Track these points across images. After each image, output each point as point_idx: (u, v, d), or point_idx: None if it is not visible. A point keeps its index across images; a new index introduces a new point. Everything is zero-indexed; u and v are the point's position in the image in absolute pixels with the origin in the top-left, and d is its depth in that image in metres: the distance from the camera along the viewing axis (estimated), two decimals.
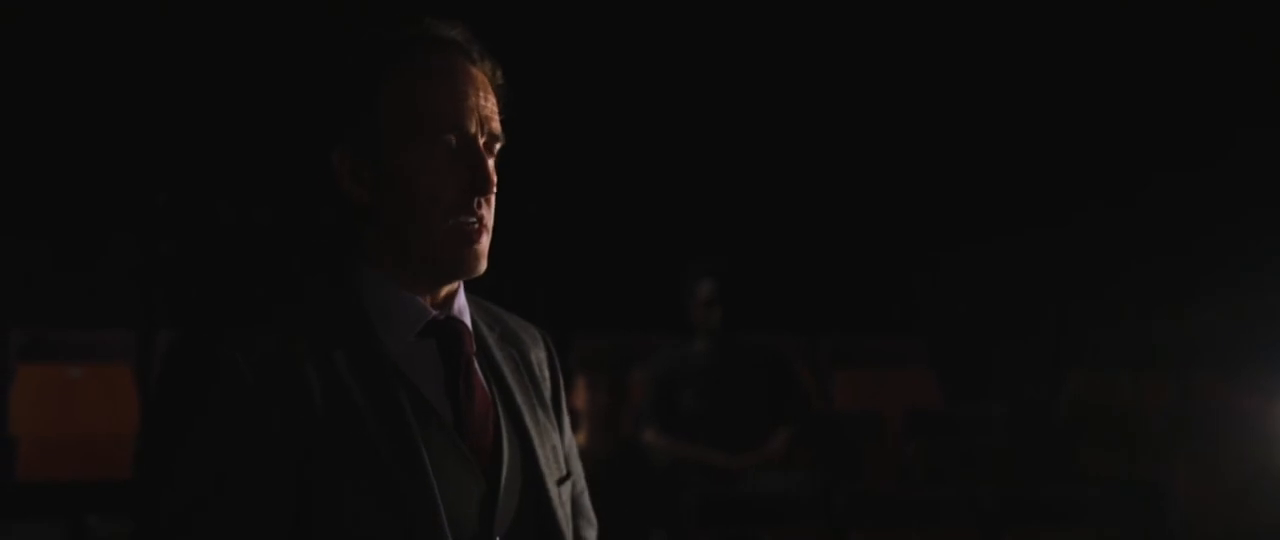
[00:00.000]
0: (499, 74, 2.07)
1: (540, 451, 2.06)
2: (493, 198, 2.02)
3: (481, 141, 2.01)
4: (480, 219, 1.99)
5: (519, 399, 2.08)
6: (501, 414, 2.05)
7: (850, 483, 7.03)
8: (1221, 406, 7.41)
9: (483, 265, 2.01)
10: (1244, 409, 7.22)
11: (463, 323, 2.05)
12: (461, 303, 2.06)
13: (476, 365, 2.05)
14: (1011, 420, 7.89)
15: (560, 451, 2.13)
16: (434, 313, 2.02)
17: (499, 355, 2.10)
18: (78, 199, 7.59)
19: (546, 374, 2.18)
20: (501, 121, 2.05)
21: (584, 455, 6.16)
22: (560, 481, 2.09)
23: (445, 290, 2.05)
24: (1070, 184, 8.64)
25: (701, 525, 5.94)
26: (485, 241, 2.01)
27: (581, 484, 2.19)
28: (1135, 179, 8.41)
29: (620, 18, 8.24)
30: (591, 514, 2.22)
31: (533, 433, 2.07)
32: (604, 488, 5.60)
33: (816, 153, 8.65)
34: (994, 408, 8.01)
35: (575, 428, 5.82)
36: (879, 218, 8.79)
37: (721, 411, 6.51)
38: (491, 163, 2.02)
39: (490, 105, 2.03)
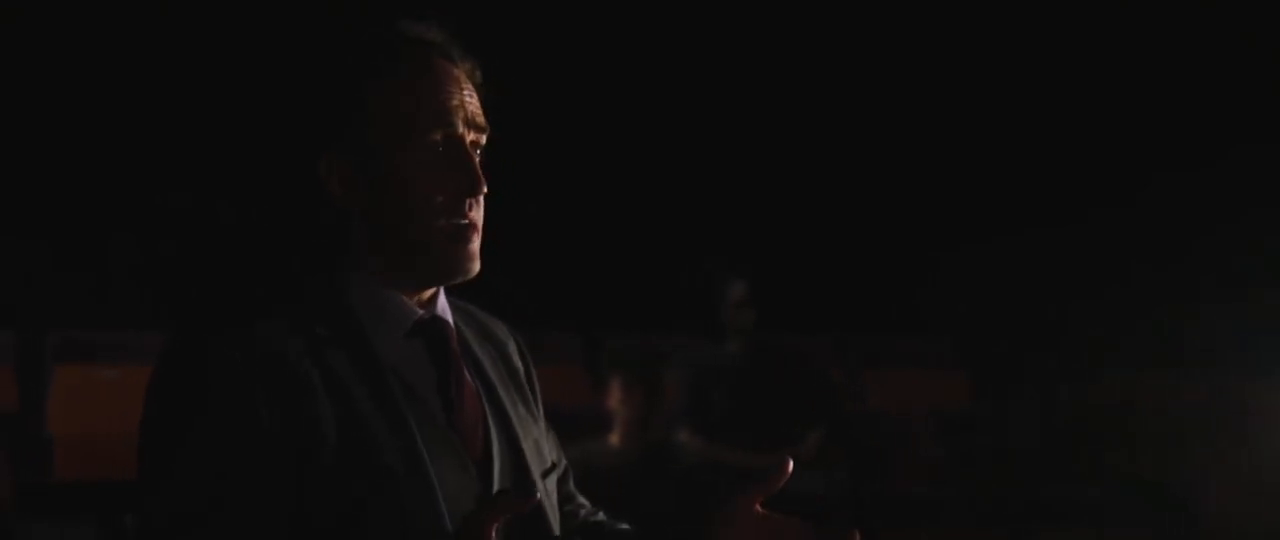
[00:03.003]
0: (478, 73, 2.07)
1: (526, 446, 2.08)
2: (483, 198, 2.02)
3: (469, 140, 2.01)
4: (471, 220, 2.01)
5: (502, 395, 2.10)
6: (488, 411, 2.07)
7: (880, 483, 7.04)
8: (1252, 407, 7.40)
9: (476, 266, 2.02)
10: (1274, 409, 7.22)
11: (447, 322, 2.07)
12: (443, 302, 2.08)
13: (463, 363, 2.07)
14: (1040, 421, 7.89)
15: (542, 444, 2.14)
16: (421, 313, 2.03)
17: (479, 352, 2.12)
18: (112, 201, 7.63)
19: (520, 366, 2.20)
20: (486, 118, 2.05)
21: (617, 455, 6.16)
22: (545, 474, 2.11)
23: (430, 290, 2.06)
24: (1100, 184, 8.63)
25: None
26: (477, 242, 2.02)
27: (562, 471, 2.21)
28: (1163, 178, 8.40)
29: (650, 18, 8.26)
30: (580, 497, 2.25)
31: (517, 428, 2.08)
32: (637, 487, 5.63)
33: (845, 154, 8.66)
34: (1022, 408, 8.01)
35: (608, 427, 5.88)
36: (908, 218, 8.79)
37: (753, 412, 6.52)
38: (478, 160, 2.02)
39: (474, 102, 2.04)
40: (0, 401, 6.92)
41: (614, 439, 5.86)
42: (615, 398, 5.84)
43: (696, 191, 8.36)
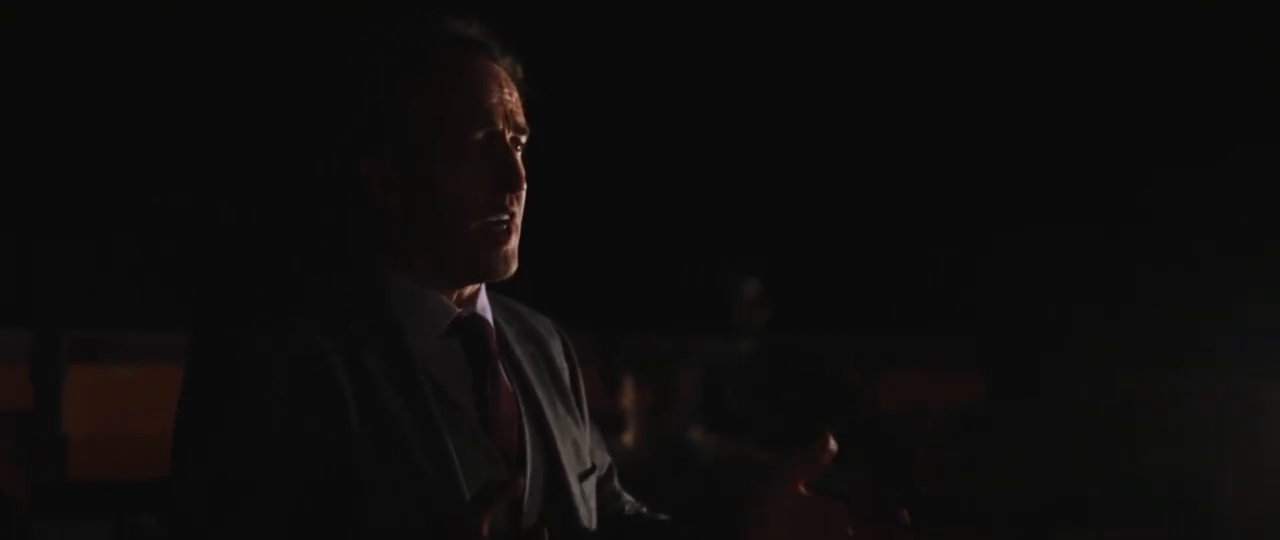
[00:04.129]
0: (519, 69, 2.06)
1: (562, 448, 2.07)
2: (523, 194, 2.01)
3: (509, 137, 2.00)
4: (511, 217, 1.99)
5: (540, 395, 2.08)
6: (524, 411, 2.05)
7: (898, 484, 7.03)
8: (1264, 406, 7.39)
9: (514, 266, 2.01)
10: None
11: (486, 320, 2.05)
12: (484, 300, 2.06)
13: (500, 363, 2.05)
14: (1055, 421, 7.88)
15: (582, 446, 2.13)
16: (459, 311, 2.02)
17: (519, 351, 2.10)
18: (127, 201, 7.64)
19: (564, 366, 2.19)
20: (526, 115, 2.04)
21: (631, 454, 6.18)
22: (582, 476, 2.10)
23: (470, 288, 2.05)
24: (1116, 182, 8.61)
25: None
26: (515, 241, 2.00)
27: (605, 470, 2.20)
28: (1180, 177, 8.38)
29: (662, 17, 8.26)
30: (626, 495, 2.24)
31: (554, 429, 2.07)
32: (651, 486, 5.64)
33: (857, 153, 8.65)
34: (1040, 408, 7.99)
35: (622, 426, 5.88)
36: (925, 217, 8.78)
37: (766, 412, 6.52)
38: (519, 156, 2.01)
39: (514, 99, 2.02)
40: (15, 400, 6.94)
41: (627, 438, 5.87)
42: (628, 397, 5.85)
43: (710, 190, 8.35)
